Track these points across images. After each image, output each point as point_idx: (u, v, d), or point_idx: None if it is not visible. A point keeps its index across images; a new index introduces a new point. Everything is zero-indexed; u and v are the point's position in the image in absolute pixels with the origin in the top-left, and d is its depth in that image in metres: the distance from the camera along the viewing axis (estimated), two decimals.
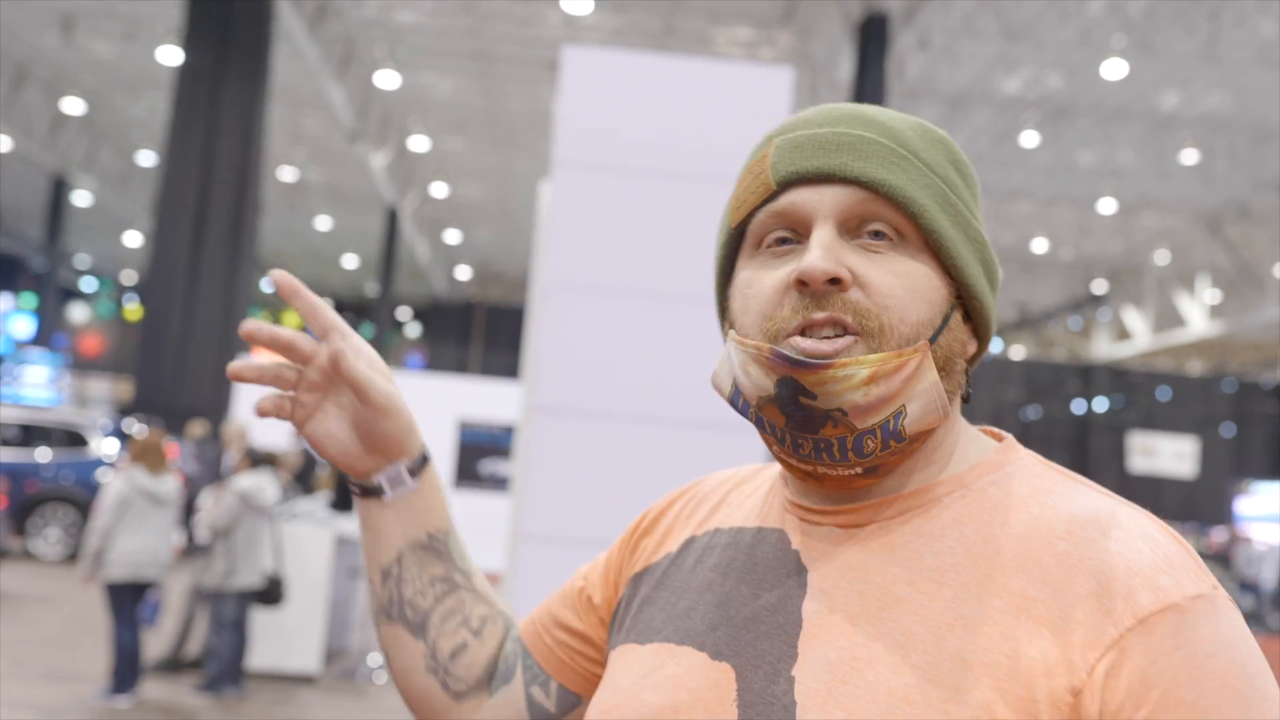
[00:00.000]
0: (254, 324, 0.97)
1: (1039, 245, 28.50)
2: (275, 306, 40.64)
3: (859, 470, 0.87)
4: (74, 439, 14.12)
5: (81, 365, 35.42)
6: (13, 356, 30.20)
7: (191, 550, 8.85)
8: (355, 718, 7.54)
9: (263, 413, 1.03)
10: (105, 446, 14.07)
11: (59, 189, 29.26)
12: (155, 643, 8.59)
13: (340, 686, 8.41)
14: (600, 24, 18.05)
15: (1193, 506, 36.20)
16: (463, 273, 38.95)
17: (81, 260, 38.76)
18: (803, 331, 0.85)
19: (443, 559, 1.09)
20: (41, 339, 33.67)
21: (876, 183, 0.86)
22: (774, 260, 0.90)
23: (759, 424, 0.90)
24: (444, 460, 17.49)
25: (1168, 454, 35.69)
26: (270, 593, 7.53)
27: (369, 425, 1.03)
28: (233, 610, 7.41)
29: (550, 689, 1.09)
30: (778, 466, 1.00)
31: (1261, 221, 23.55)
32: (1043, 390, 37.82)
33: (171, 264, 15.41)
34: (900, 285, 0.86)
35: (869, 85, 16.28)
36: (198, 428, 13.74)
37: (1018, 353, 39.02)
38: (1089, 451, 37.99)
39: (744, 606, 0.89)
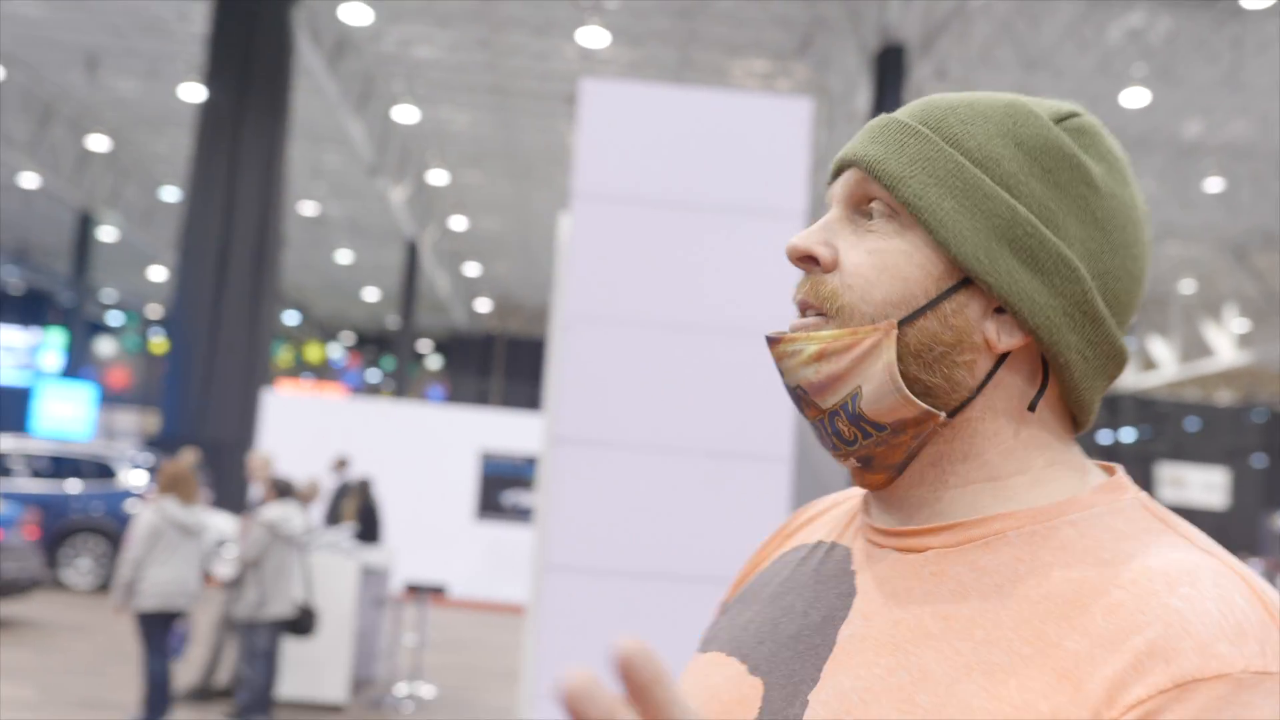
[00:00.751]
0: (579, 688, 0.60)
1: None
2: (297, 339, 40.92)
3: (855, 462, 0.84)
4: (103, 471, 14.26)
5: (109, 399, 35.68)
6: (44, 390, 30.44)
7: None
8: None
9: None
10: (133, 478, 14.20)
11: (85, 225, 29.60)
12: (185, 672, 8.63)
13: (367, 715, 8.42)
14: (616, 57, 18.18)
15: (1224, 538, 35.71)
16: (483, 305, 39.10)
17: (108, 295, 39.14)
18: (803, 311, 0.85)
19: None
20: (70, 372, 33.96)
21: (863, 159, 0.84)
22: None
23: None
24: (466, 492, 17.52)
25: (1197, 485, 35.36)
26: (302, 622, 7.56)
27: None
28: (265, 640, 7.44)
29: None
30: None
31: None
32: None
33: (195, 298, 15.55)
34: (869, 263, 0.82)
35: None
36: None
37: None
38: None
39: (792, 623, 0.86)
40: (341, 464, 13.12)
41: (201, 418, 15.26)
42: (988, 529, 0.80)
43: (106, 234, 30.95)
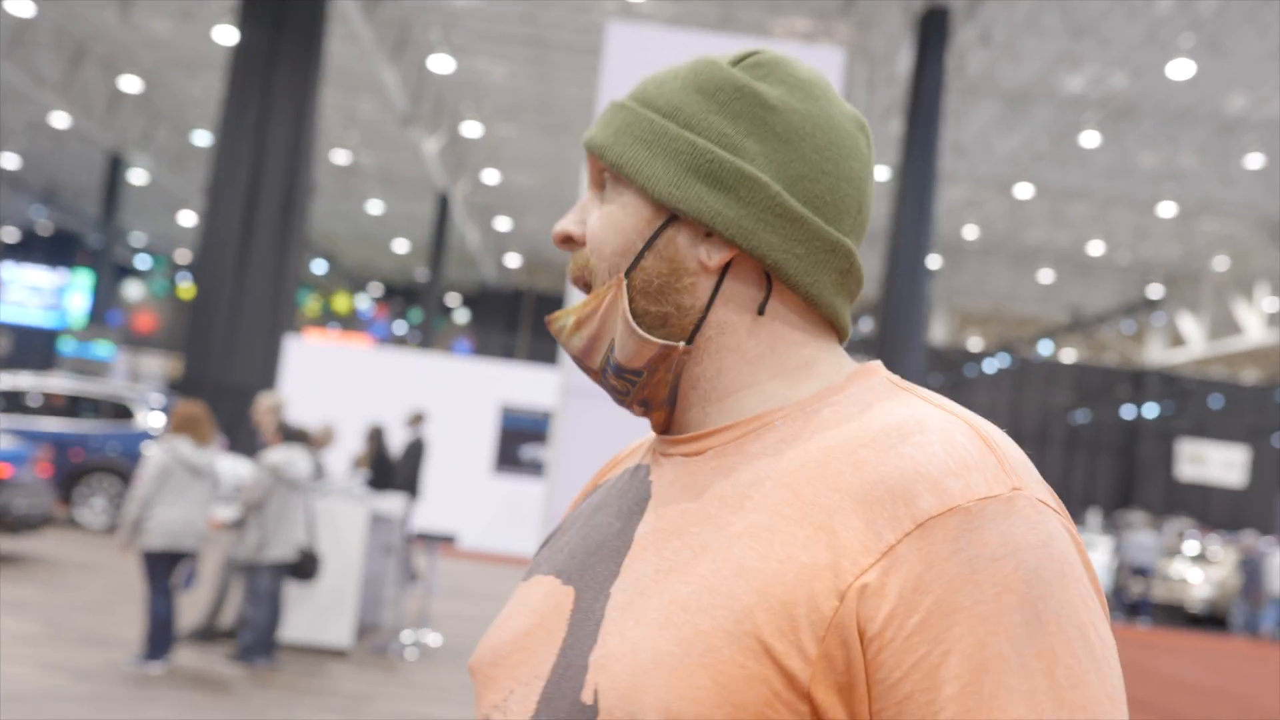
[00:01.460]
0: None
1: (1095, 247, 28.08)
2: (325, 288, 41.02)
3: (636, 408, 0.93)
4: (121, 411, 14.31)
5: (135, 342, 35.88)
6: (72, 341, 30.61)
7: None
8: (385, 692, 7.51)
9: None
10: (151, 420, 14.23)
11: (115, 167, 29.62)
12: (190, 612, 8.63)
13: (371, 661, 8.40)
14: (656, 12, 17.95)
15: (1241, 516, 35.59)
16: (512, 260, 39.04)
17: (137, 238, 39.26)
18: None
19: None
20: (97, 315, 34.15)
21: (588, 143, 0.94)
22: None
23: None
24: (486, 444, 17.50)
25: (1217, 462, 35.11)
26: (303, 566, 7.54)
27: None
28: (267, 582, 7.43)
29: None
30: None
31: None
32: (1092, 394, 37.31)
33: (222, 244, 15.51)
34: (599, 224, 0.91)
35: (928, 80, 16.05)
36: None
37: (1068, 355, 38.52)
38: (1137, 457, 37.46)
39: (597, 534, 0.92)
40: (418, 419, 13.18)
41: (225, 363, 15.24)
42: (758, 422, 0.88)
43: (137, 176, 30.98)
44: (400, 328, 41.85)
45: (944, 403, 0.85)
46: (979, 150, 22.02)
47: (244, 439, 14.56)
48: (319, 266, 37.14)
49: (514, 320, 40.48)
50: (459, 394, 17.32)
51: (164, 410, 14.40)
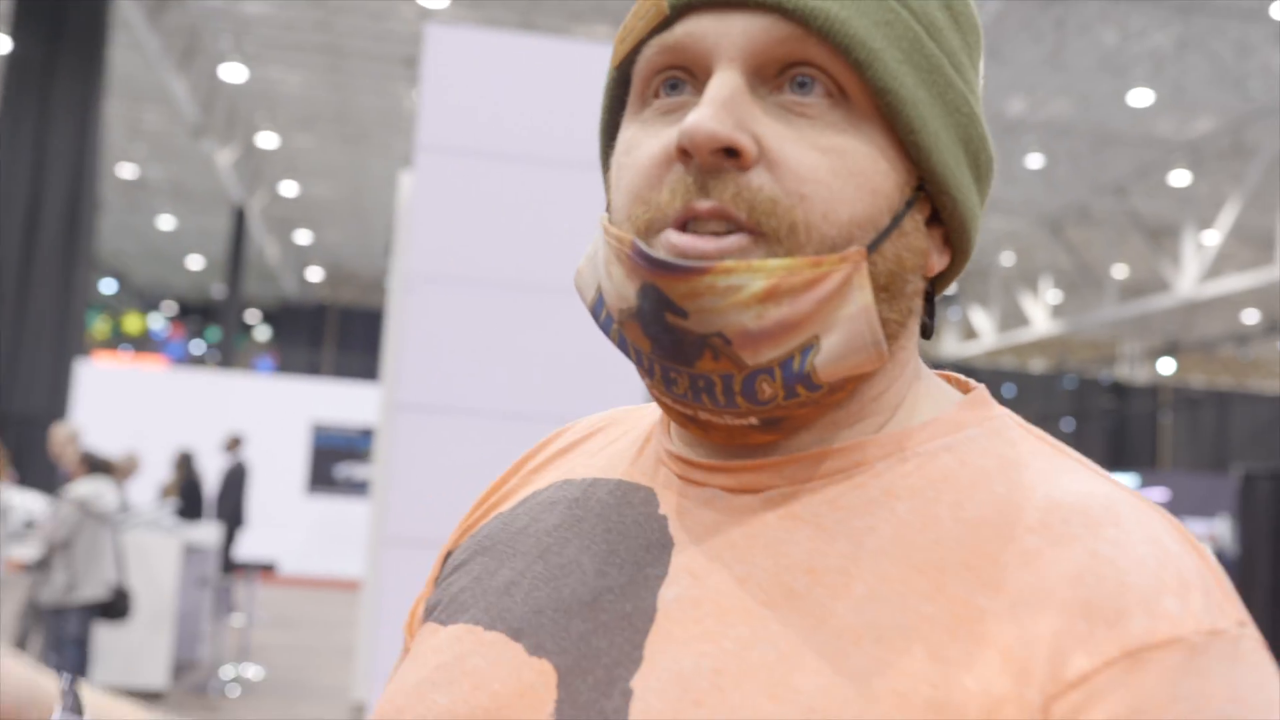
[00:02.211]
0: None
1: None
2: (115, 308, 39.22)
3: (754, 421, 0.64)
4: None
5: None
6: None
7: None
8: None
9: None
10: None
11: None
12: None
13: (190, 701, 8.03)
14: (455, 19, 17.77)
15: None
16: (314, 274, 38.08)
17: None
18: (685, 224, 0.61)
19: None
20: None
21: (806, 11, 0.61)
22: (663, 118, 0.65)
23: (623, 347, 0.66)
24: (297, 465, 16.97)
25: None
26: (116, 605, 7.12)
27: None
28: (75, 626, 6.98)
29: None
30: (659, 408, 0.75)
31: (1100, 224, 24.50)
32: None
33: (1, 263, 14.64)
34: (828, 166, 0.61)
35: None
36: None
37: None
38: None
39: (582, 586, 0.66)
40: (235, 443, 12.55)
41: (8, 391, 14.37)
42: (846, 459, 0.65)
43: None
44: (198, 347, 40.31)
45: (1112, 477, 0.65)
46: None
47: (34, 472, 13.75)
48: (108, 286, 35.45)
49: (318, 336, 39.50)
50: (266, 414, 16.76)
51: None
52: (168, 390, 17.22)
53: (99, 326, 38.04)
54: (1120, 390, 39.18)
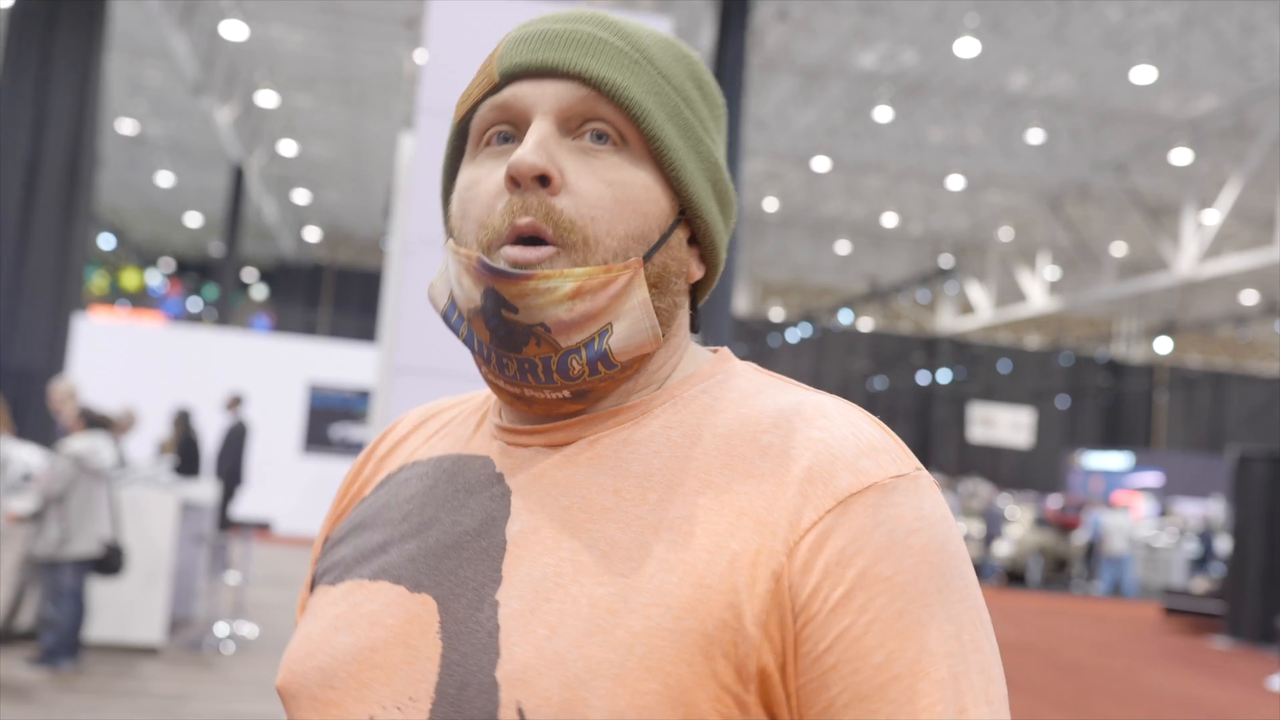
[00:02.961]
0: None
1: (889, 219, 29.11)
2: (113, 264, 39.12)
3: (567, 394, 0.84)
4: None
5: None
6: None
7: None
8: (201, 690, 7.25)
9: None
10: None
11: None
12: None
13: (185, 658, 8.10)
14: None
15: (1027, 475, 37.64)
16: (312, 234, 37.98)
17: None
18: (516, 239, 0.81)
19: None
20: None
21: (599, 80, 0.82)
22: (494, 160, 0.85)
23: (468, 342, 0.86)
24: (293, 425, 17.02)
25: (1005, 424, 37.06)
26: (109, 561, 7.19)
27: None
28: (70, 579, 7.05)
29: None
30: (484, 394, 0.98)
31: (1099, 201, 24.46)
32: (889, 361, 38.77)
33: (1, 218, 14.60)
34: (611, 194, 0.82)
35: (730, 55, 16.28)
36: None
37: (866, 324, 39.91)
38: (932, 421, 39.14)
39: (444, 534, 0.84)
40: (236, 401, 12.54)
41: (7, 345, 14.37)
42: (633, 412, 0.85)
43: None
44: (194, 305, 40.22)
45: (825, 393, 0.87)
46: (778, 124, 22.51)
47: (31, 425, 13.77)
48: (106, 241, 35.35)
49: (315, 296, 39.43)
50: (263, 373, 16.77)
51: None
52: (164, 346, 17.23)
53: (97, 282, 37.97)
54: (1116, 369, 39.21)
